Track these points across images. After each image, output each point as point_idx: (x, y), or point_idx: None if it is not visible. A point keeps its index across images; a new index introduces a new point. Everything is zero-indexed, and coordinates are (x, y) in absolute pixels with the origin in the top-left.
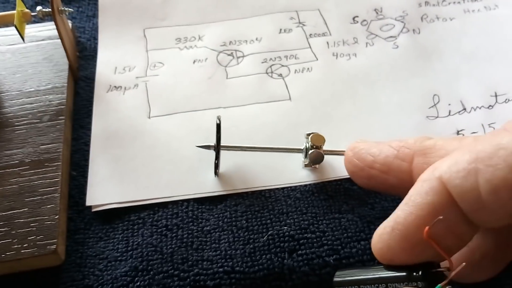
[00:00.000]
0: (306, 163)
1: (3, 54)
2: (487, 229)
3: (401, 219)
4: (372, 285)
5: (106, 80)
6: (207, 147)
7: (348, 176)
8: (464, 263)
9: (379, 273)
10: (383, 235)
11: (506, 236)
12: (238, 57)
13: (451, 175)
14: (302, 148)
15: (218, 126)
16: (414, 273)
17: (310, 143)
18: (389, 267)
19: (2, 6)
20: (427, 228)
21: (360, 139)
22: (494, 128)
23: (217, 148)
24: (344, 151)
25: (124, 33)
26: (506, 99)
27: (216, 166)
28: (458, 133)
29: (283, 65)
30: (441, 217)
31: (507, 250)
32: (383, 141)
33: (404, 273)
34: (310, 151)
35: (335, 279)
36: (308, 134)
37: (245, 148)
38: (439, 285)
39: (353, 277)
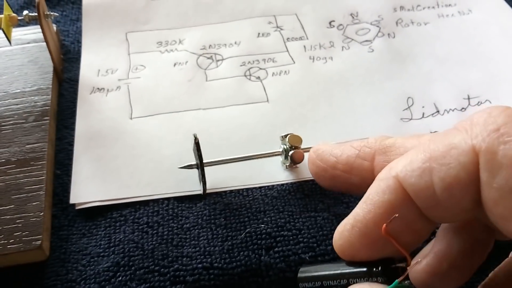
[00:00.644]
0: (287, 164)
1: None
2: (452, 234)
3: (360, 217)
4: (334, 281)
5: (89, 82)
6: (189, 166)
7: None
8: (420, 259)
9: (340, 269)
10: (344, 232)
11: (472, 244)
12: (217, 60)
13: (406, 174)
14: (280, 150)
15: (198, 145)
16: (374, 269)
17: (288, 144)
18: (350, 263)
19: None
20: (384, 225)
21: (323, 141)
22: None
23: (201, 166)
24: None
25: (107, 37)
26: (479, 102)
27: (204, 183)
28: None
29: (261, 68)
30: (397, 214)
31: (473, 258)
32: (344, 142)
33: (365, 269)
34: (291, 152)
35: (299, 275)
36: (284, 136)
37: (228, 160)
38: (397, 280)
39: (316, 273)
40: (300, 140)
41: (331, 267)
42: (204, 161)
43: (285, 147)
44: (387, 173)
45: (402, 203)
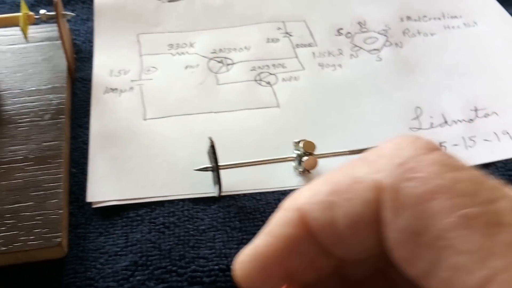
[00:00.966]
0: (300, 169)
1: (4, 53)
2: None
3: (261, 249)
4: None
5: (102, 82)
6: (205, 169)
7: None
8: None
9: None
10: (243, 263)
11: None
12: (228, 64)
13: (310, 206)
14: (294, 156)
15: (213, 148)
16: None
17: (302, 150)
18: None
19: None
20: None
21: None
22: (474, 142)
23: (217, 169)
24: (334, 152)
25: (118, 38)
26: (486, 114)
27: (220, 186)
28: (440, 145)
29: (271, 73)
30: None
31: None
32: None
33: None
34: (305, 158)
35: None
36: (297, 142)
37: (243, 164)
38: None
39: None
40: (313, 146)
41: None
42: (219, 164)
43: (299, 153)
44: (291, 203)
45: (304, 238)
